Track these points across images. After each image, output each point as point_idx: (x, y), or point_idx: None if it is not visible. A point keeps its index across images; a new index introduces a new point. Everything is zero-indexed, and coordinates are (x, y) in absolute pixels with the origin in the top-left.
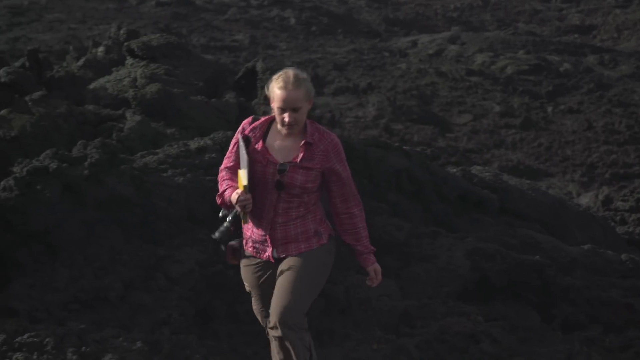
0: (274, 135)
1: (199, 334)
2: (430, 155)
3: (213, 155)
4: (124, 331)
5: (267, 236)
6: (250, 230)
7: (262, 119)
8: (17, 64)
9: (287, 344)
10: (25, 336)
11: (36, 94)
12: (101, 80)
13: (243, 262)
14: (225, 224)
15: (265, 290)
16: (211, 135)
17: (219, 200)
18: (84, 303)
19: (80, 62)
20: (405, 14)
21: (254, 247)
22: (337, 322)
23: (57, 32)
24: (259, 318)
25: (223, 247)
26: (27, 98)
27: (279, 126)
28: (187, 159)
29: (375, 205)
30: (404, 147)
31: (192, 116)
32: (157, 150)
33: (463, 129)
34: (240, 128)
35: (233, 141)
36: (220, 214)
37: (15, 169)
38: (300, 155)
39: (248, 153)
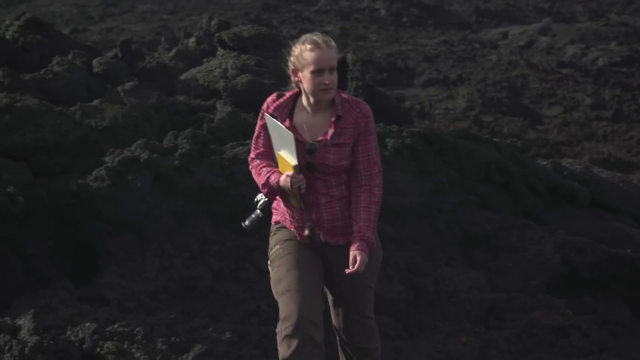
0: (300, 112)
1: None
2: (520, 147)
3: None
4: (213, 321)
5: (315, 219)
6: (291, 215)
7: (287, 94)
8: (109, 54)
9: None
10: (116, 325)
11: (128, 85)
12: (192, 71)
13: (280, 239)
14: (256, 212)
15: (306, 275)
16: None
17: (264, 191)
18: (174, 293)
19: (172, 53)
20: (495, 5)
21: (297, 230)
22: (426, 314)
23: (149, 23)
24: (297, 319)
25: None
26: (119, 88)
27: (303, 100)
28: None
29: (464, 197)
30: (494, 139)
31: None
32: (247, 141)
33: (553, 121)
34: (264, 106)
35: (259, 123)
36: (256, 199)
37: (107, 158)
38: (330, 131)
39: (281, 132)
